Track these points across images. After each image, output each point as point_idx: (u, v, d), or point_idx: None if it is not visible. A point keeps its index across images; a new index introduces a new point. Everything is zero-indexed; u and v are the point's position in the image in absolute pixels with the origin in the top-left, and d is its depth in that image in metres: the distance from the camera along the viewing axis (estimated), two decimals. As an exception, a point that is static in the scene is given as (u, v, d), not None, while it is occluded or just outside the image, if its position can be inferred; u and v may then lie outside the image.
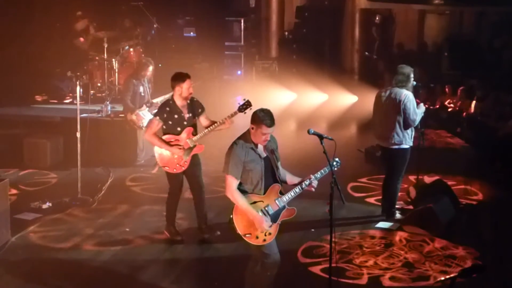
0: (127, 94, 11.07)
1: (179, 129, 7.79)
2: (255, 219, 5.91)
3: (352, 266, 7.47)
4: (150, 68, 11.25)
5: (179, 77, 7.77)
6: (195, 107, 7.87)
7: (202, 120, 7.94)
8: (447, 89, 14.80)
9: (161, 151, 7.85)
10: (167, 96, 11.61)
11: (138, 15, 15.15)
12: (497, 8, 16.50)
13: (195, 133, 7.88)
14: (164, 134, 7.83)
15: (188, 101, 7.82)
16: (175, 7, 16.84)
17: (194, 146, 7.84)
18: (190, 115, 7.82)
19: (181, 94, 7.74)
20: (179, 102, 7.77)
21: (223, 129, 7.81)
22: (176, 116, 7.76)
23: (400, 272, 7.35)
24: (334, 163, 6.14)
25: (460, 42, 17.62)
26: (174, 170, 7.84)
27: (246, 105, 7.77)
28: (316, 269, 7.37)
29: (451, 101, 14.41)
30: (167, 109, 7.77)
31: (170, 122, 7.77)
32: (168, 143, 7.76)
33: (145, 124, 10.97)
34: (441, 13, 18.55)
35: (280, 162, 6.23)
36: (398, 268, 7.46)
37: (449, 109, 14.28)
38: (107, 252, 7.88)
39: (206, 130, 7.83)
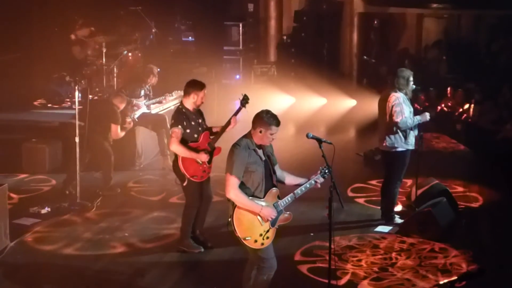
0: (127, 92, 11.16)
1: (196, 136, 7.68)
2: (262, 211, 5.91)
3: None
4: (153, 75, 11.38)
5: (197, 85, 7.71)
6: (201, 113, 7.87)
7: None
8: (448, 91, 14.72)
9: (183, 162, 7.60)
10: (158, 98, 11.77)
11: (136, 20, 15.15)
12: (494, 12, 16.52)
13: (210, 137, 7.85)
14: (183, 142, 7.64)
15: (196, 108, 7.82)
16: (174, 11, 16.85)
17: (214, 149, 7.80)
18: (201, 120, 7.81)
19: (195, 101, 7.67)
20: (190, 108, 7.70)
21: (228, 130, 7.75)
22: (193, 123, 7.67)
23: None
24: (326, 171, 6.10)
25: (458, 45, 17.64)
26: (201, 177, 7.71)
27: (245, 99, 7.77)
28: (315, 273, 7.35)
29: (450, 104, 14.39)
30: (184, 117, 7.64)
31: (188, 130, 7.62)
32: (195, 149, 7.63)
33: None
34: (439, 16, 18.58)
35: (278, 165, 6.26)
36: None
37: (447, 110, 14.28)
38: (106, 257, 7.86)
39: (218, 132, 7.77)
